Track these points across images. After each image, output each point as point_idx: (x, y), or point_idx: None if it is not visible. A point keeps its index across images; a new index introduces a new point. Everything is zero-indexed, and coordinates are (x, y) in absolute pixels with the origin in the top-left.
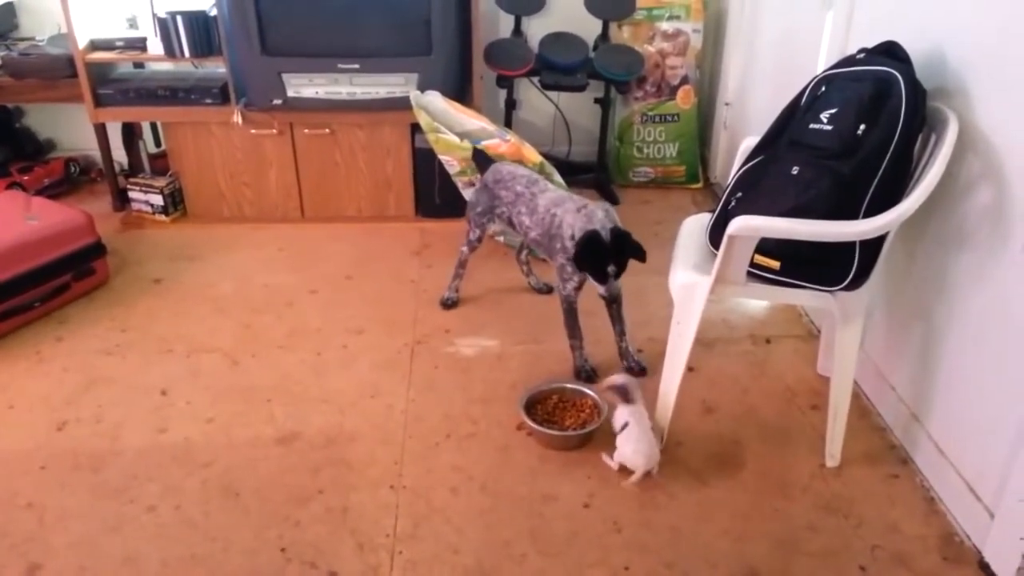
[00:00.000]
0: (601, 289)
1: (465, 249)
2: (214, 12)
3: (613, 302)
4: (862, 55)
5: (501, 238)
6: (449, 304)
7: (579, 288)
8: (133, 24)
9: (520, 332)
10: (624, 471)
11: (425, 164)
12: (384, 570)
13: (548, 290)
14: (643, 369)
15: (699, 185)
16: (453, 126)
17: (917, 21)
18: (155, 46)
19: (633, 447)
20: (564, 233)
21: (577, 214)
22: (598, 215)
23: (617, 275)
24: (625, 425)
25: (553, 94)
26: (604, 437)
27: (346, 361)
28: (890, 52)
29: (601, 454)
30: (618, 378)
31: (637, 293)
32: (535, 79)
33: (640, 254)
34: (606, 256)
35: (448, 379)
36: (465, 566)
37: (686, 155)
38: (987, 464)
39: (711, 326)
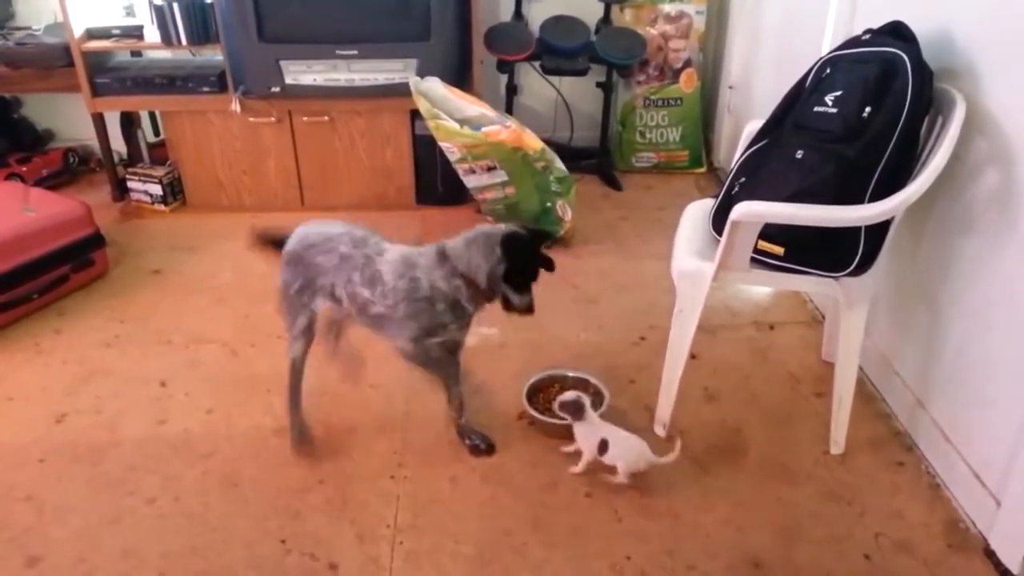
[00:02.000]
0: (518, 300)
1: (297, 348)
2: None
3: (531, 311)
4: (868, 36)
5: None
6: (301, 442)
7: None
8: (130, 12)
9: (520, 321)
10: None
11: (425, 151)
12: (384, 561)
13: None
14: (491, 446)
15: (703, 170)
16: (453, 112)
17: (924, 1)
18: (152, 34)
19: (636, 451)
20: (440, 288)
21: (442, 260)
22: (485, 230)
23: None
24: (604, 443)
25: (555, 79)
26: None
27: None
28: (896, 32)
29: (608, 479)
30: (568, 395)
31: (638, 279)
32: (536, 64)
33: (550, 265)
34: (536, 256)
35: None
36: (466, 556)
37: (689, 139)
38: (993, 451)
39: (714, 312)
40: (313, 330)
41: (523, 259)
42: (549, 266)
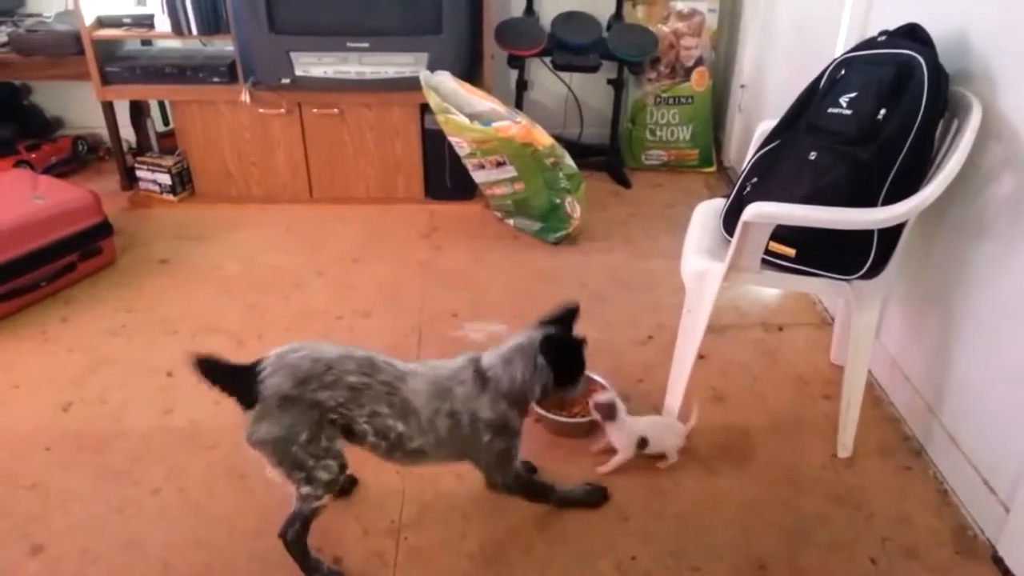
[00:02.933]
0: (574, 392)
1: (323, 500)
2: None
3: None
4: (883, 38)
5: (512, 221)
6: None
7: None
8: (141, 1)
9: (529, 316)
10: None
11: (434, 145)
12: (389, 556)
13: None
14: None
15: (712, 169)
16: (463, 107)
17: (940, 2)
18: (162, 23)
19: (672, 433)
20: (482, 416)
21: (481, 381)
22: (519, 340)
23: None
24: (644, 440)
25: (565, 75)
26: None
27: (353, 344)
28: (912, 35)
29: (657, 464)
30: (601, 396)
31: (646, 277)
32: (547, 59)
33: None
34: (576, 350)
35: None
36: (471, 553)
37: (699, 138)
38: (1003, 457)
39: (722, 312)
40: (345, 469)
41: (567, 360)
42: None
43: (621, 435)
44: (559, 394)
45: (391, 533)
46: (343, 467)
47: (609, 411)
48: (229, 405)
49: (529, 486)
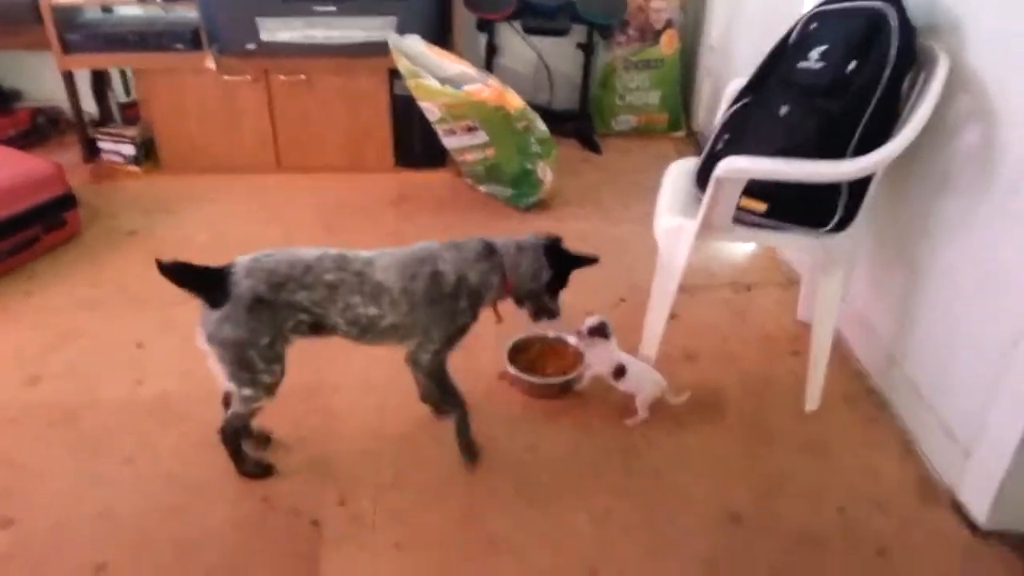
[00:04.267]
0: (554, 305)
1: (263, 401)
2: None
3: (556, 317)
4: None
5: (483, 188)
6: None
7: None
8: None
9: None
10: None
11: (404, 112)
12: (367, 518)
13: (267, 440)
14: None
15: (682, 133)
16: (434, 71)
17: None
18: None
19: (650, 378)
20: (471, 283)
21: (485, 259)
22: (524, 238)
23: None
24: (621, 368)
25: (535, 40)
26: (586, 385)
27: None
28: None
29: (625, 422)
30: (592, 319)
31: (618, 243)
32: (516, 23)
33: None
34: (570, 261)
35: None
36: (449, 513)
37: (669, 102)
38: (965, 405)
39: (694, 273)
40: (284, 376)
41: (565, 267)
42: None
43: (604, 355)
44: (544, 297)
45: (369, 496)
46: (283, 372)
47: (601, 329)
48: (200, 375)
49: (446, 380)
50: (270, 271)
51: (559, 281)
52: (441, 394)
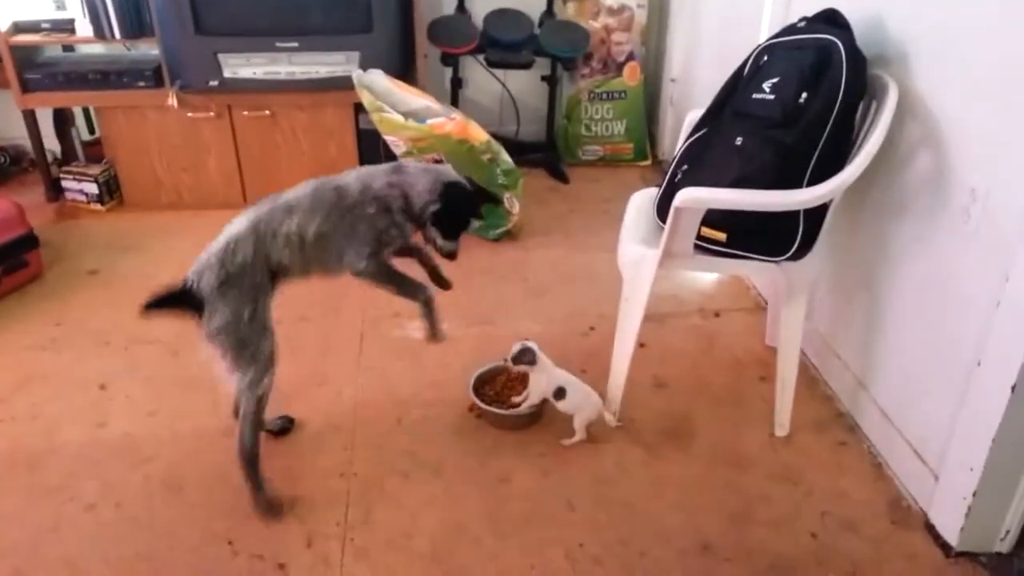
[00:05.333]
0: (445, 246)
1: (268, 380)
2: None
3: (449, 259)
4: (803, 23)
5: None
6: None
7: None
8: (60, 5)
9: (471, 314)
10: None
11: (370, 146)
12: (335, 559)
13: (289, 424)
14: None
15: (648, 162)
16: (398, 105)
17: None
18: (84, 27)
19: (591, 402)
20: (384, 195)
21: (396, 174)
22: (442, 169)
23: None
24: (561, 390)
25: (500, 73)
26: (553, 413)
27: (293, 349)
28: (831, 20)
29: (562, 442)
30: (516, 345)
31: (587, 270)
32: (480, 57)
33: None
34: (470, 211)
35: (399, 363)
36: (419, 551)
37: (634, 132)
38: (931, 427)
39: (662, 301)
40: (275, 348)
41: (456, 209)
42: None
43: (540, 378)
44: (435, 236)
45: (336, 536)
46: (274, 342)
47: (528, 357)
48: (164, 416)
49: (398, 276)
50: (209, 258)
51: (449, 221)
52: (400, 291)
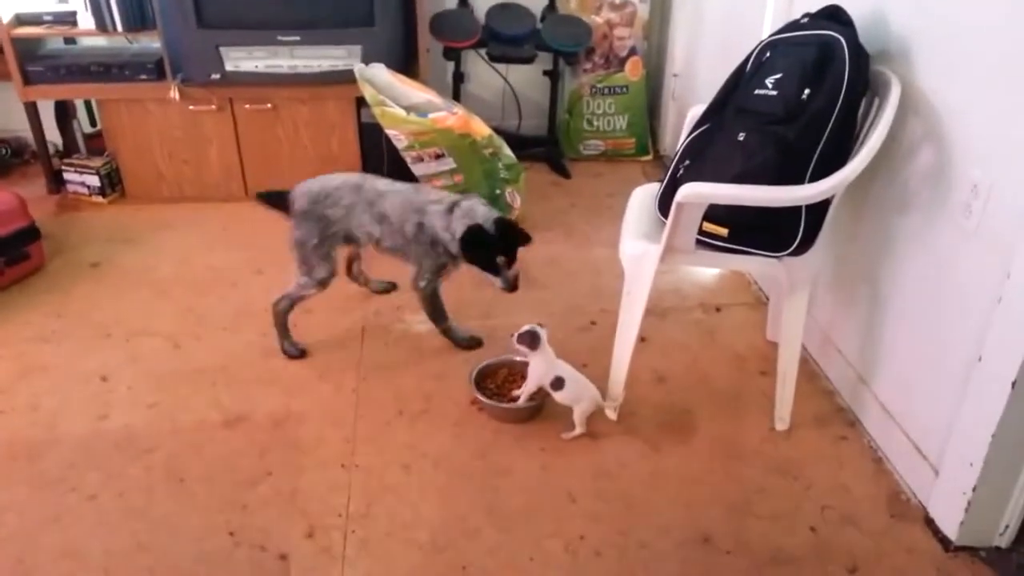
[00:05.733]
0: (498, 282)
1: (311, 291)
2: None
3: (513, 290)
4: (806, 19)
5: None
6: (296, 355)
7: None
8: None
9: (472, 307)
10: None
11: (372, 140)
12: (336, 550)
13: (392, 287)
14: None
15: (649, 157)
16: (399, 99)
17: None
18: (86, 20)
19: (589, 394)
20: (440, 238)
21: (448, 215)
22: (479, 211)
23: (509, 264)
24: (559, 380)
25: (502, 67)
26: (554, 407)
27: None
28: (834, 16)
29: (562, 436)
30: (525, 327)
31: (588, 265)
32: (482, 51)
33: (526, 240)
34: (494, 248)
35: (400, 357)
36: (420, 543)
37: (636, 127)
38: (931, 422)
39: (663, 296)
40: (333, 276)
41: (474, 251)
42: (526, 241)
43: (539, 364)
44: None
45: (338, 527)
46: (333, 273)
47: (531, 339)
48: (165, 408)
49: (435, 304)
50: (310, 191)
51: (484, 261)
52: (431, 312)
